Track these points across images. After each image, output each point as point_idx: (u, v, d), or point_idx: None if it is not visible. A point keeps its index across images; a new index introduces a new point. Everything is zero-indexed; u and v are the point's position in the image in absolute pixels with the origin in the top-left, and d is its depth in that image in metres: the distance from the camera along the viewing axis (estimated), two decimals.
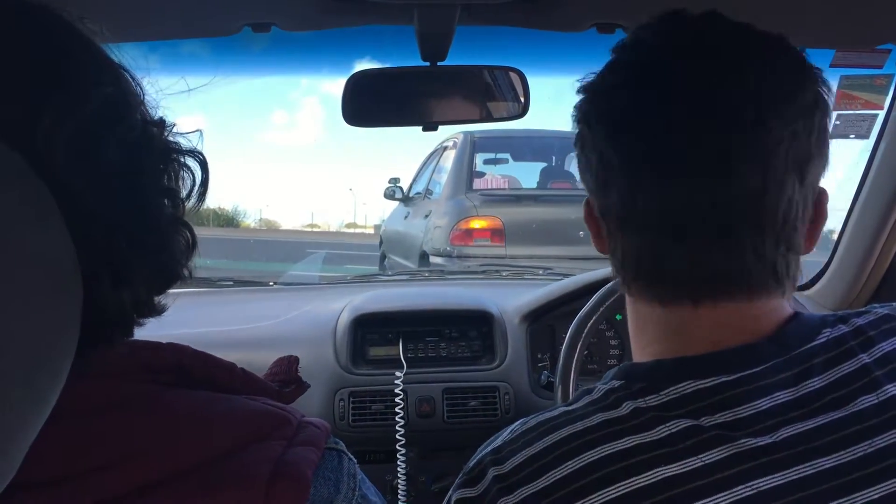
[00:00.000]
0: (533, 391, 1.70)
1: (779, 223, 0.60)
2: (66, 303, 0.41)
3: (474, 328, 1.76)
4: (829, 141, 0.63)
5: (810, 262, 1.85)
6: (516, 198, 5.61)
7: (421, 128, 1.35)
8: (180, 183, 0.58)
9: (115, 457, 0.49)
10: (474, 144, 5.91)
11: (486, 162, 6.22)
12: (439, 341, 1.74)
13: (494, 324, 1.75)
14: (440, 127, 1.35)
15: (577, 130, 0.67)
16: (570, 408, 0.64)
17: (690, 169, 0.59)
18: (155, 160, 0.56)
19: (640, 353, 0.67)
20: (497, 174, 6.15)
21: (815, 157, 0.61)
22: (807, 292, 1.84)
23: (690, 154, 0.59)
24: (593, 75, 0.66)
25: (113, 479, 0.48)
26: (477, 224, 5.40)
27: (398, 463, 1.61)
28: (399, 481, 1.62)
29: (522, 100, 1.30)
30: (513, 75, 1.28)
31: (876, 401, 0.57)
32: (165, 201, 0.56)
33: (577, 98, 0.67)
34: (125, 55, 0.57)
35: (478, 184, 5.83)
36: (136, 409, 0.52)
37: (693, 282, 0.62)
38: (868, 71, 1.42)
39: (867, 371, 0.59)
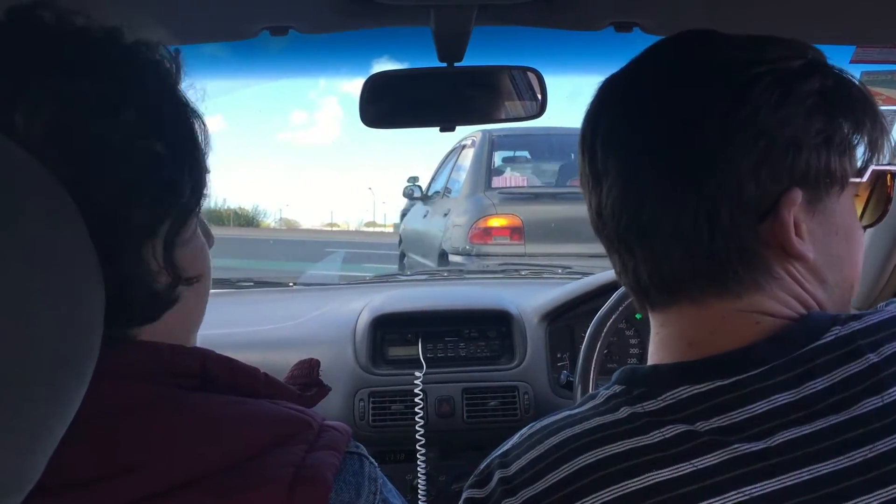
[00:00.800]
0: (553, 391, 1.69)
1: None
2: (89, 303, 0.42)
3: (493, 328, 1.76)
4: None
5: None
6: (535, 196, 5.59)
7: (438, 129, 1.36)
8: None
9: (138, 459, 0.50)
10: (493, 143, 5.92)
11: (505, 160, 6.21)
12: (458, 341, 1.74)
13: (513, 323, 1.75)
14: (458, 127, 1.35)
15: None
16: (573, 412, 0.65)
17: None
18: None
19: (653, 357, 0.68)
20: (515, 172, 6.13)
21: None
22: None
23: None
24: None
25: (137, 481, 0.49)
26: (496, 222, 5.40)
27: (418, 463, 1.61)
28: (419, 481, 1.62)
29: (539, 99, 1.29)
30: (530, 75, 1.28)
31: (880, 403, 0.55)
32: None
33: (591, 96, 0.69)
34: None
35: (496, 182, 5.83)
36: (160, 411, 0.53)
37: (684, 282, 0.62)
38: (889, 67, 1.40)
39: (875, 371, 0.57)
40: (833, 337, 0.58)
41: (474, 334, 1.75)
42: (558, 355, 1.77)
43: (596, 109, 0.68)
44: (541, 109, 1.30)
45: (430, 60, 1.28)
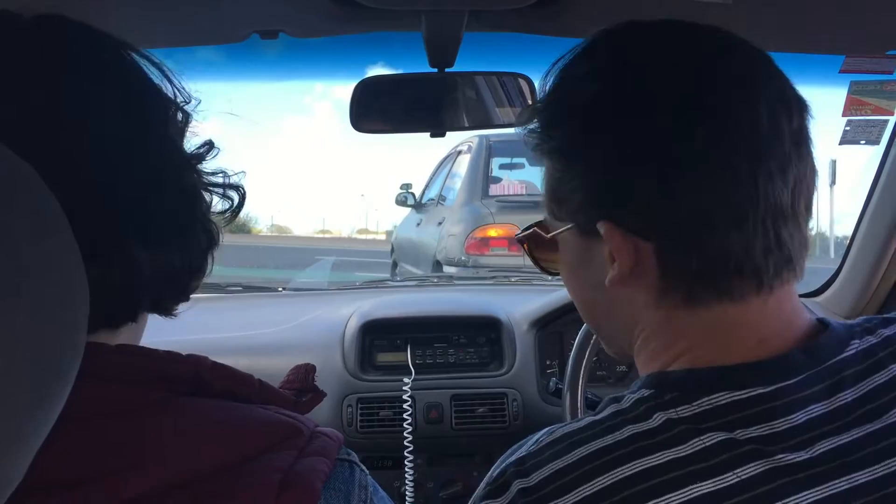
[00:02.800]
0: (542, 398, 1.69)
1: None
2: (73, 307, 0.41)
3: (482, 334, 1.76)
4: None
5: (820, 269, 1.83)
6: (535, 204, 5.29)
7: (429, 134, 1.36)
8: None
9: (127, 462, 0.50)
10: (490, 148, 5.72)
11: (502, 167, 6.02)
12: (447, 347, 1.74)
13: (503, 330, 1.75)
14: (448, 133, 1.35)
15: None
16: (598, 417, 0.61)
17: None
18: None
19: (665, 363, 0.64)
20: (514, 179, 5.94)
21: None
22: (817, 299, 1.83)
23: None
24: None
25: (126, 483, 0.49)
26: (493, 232, 5.22)
27: (406, 470, 1.60)
28: (407, 488, 1.61)
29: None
30: (520, 81, 1.28)
31: None
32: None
33: None
34: None
35: (494, 189, 5.64)
36: (149, 415, 0.52)
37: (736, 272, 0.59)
38: (878, 76, 1.41)
39: None
40: (854, 350, 0.60)
41: (463, 341, 1.74)
42: (547, 362, 1.77)
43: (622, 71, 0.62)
44: None
45: (423, 66, 1.28)
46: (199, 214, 0.61)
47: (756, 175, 0.57)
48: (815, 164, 0.62)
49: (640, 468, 0.55)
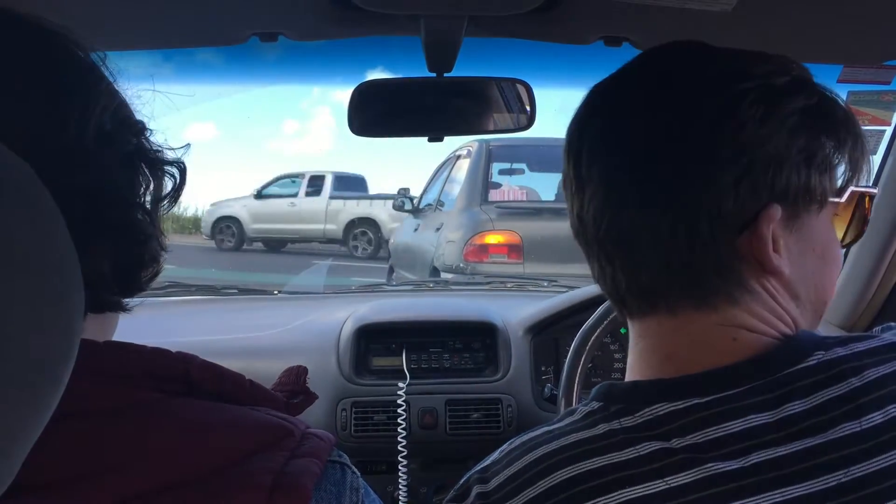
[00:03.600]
0: (536, 404, 1.69)
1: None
2: (68, 307, 0.41)
3: (478, 340, 1.76)
4: None
5: None
6: (536, 211, 5.36)
7: (427, 139, 1.36)
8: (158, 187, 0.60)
9: (119, 461, 0.49)
10: (490, 153, 5.62)
11: (502, 172, 5.94)
12: (442, 352, 1.74)
13: (498, 335, 1.74)
14: (451, 137, 1.35)
15: None
16: (551, 427, 0.64)
17: None
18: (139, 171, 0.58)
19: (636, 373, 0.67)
20: (514, 185, 5.89)
21: None
22: None
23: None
24: None
25: (116, 483, 0.49)
26: (493, 239, 5.11)
27: (400, 474, 1.60)
28: (400, 492, 1.61)
29: (528, 111, 1.30)
30: (519, 87, 1.28)
31: (859, 428, 0.55)
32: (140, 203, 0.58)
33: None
34: (136, 63, 0.59)
35: (494, 195, 5.55)
36: (140, 415, 0.52)
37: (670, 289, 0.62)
38: (876, 87, 1.41)
39: (855, 396, 0.56)
40: (816, 361, 0.58)
41: (459, 346, 1.74)
42: (542, 368, 1.77)
43: (583, 115, 0.68)
44: (529, 121, 1.31)
45: (422, 70, 1.28)
46: (132, 197, 0.58)
47: None
48: None
49: (578, 472, 0.58)
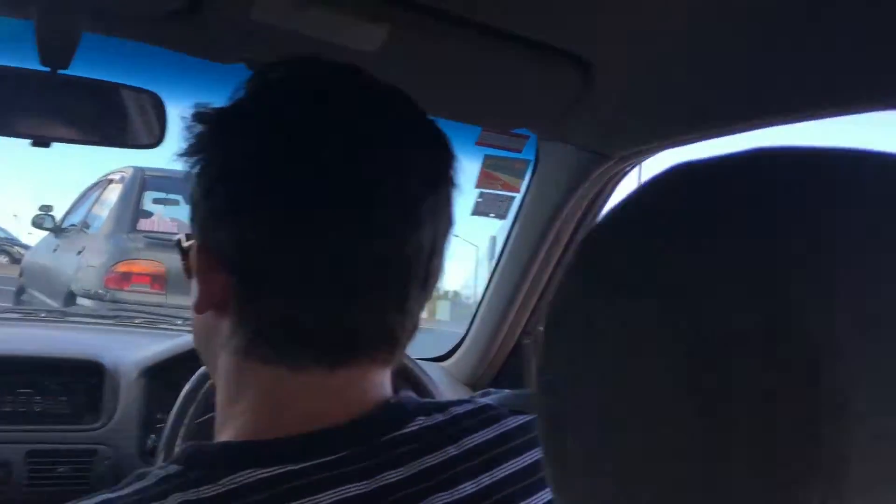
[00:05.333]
0: (140, 456, 1.50)
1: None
2: None
3: (81, 381, 1.53)
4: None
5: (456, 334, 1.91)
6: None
7: (30, 142, 1.16)
8: None
9: None
10: (144, 182, 5.56)
11: (156, 201, 5.80)
12: (34, 395, 1.48)
13: (105, 377, 1.53)
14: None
15: None
16: (112, 496, 0.52)
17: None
18: None
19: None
20: (167, 216, 5.72)
21: None
22: (444, 363, 1.90)
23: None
24: None
25: None
26: (137, 268, 5.03)
27: None
28: None
29: (158, 128, 1.17)
30: (148, 97, 1.15)
31: (449, 499, 0.53)
32: None
33: None
34: None
35: (143, 224, 5.44)
36: None
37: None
38: (509, 153, 1.47)
39: (451, 465, 0.55)
40: (417, 427, 0.56)
41: (55, 387, 1.50)
42: (158, 416, 1.58)
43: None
44: (158, 139, 1.17)
45: (35, 62, 1.09)
46: None
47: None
48: None
49: None
